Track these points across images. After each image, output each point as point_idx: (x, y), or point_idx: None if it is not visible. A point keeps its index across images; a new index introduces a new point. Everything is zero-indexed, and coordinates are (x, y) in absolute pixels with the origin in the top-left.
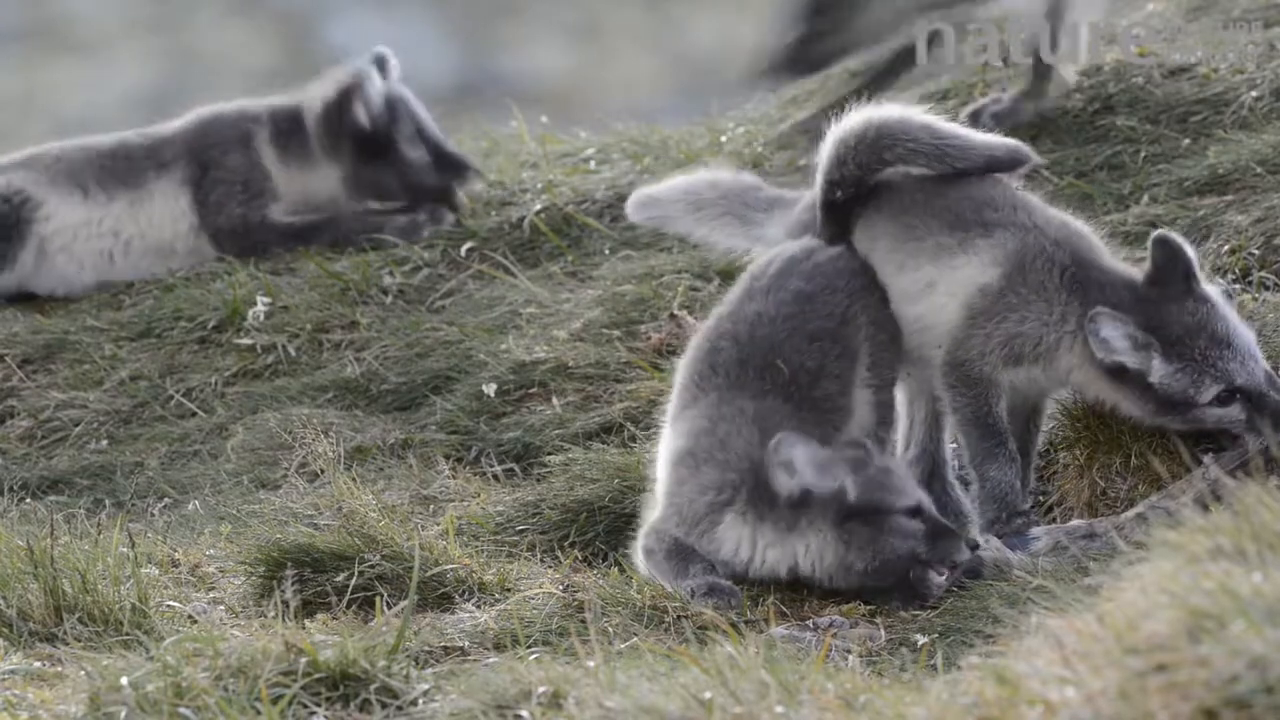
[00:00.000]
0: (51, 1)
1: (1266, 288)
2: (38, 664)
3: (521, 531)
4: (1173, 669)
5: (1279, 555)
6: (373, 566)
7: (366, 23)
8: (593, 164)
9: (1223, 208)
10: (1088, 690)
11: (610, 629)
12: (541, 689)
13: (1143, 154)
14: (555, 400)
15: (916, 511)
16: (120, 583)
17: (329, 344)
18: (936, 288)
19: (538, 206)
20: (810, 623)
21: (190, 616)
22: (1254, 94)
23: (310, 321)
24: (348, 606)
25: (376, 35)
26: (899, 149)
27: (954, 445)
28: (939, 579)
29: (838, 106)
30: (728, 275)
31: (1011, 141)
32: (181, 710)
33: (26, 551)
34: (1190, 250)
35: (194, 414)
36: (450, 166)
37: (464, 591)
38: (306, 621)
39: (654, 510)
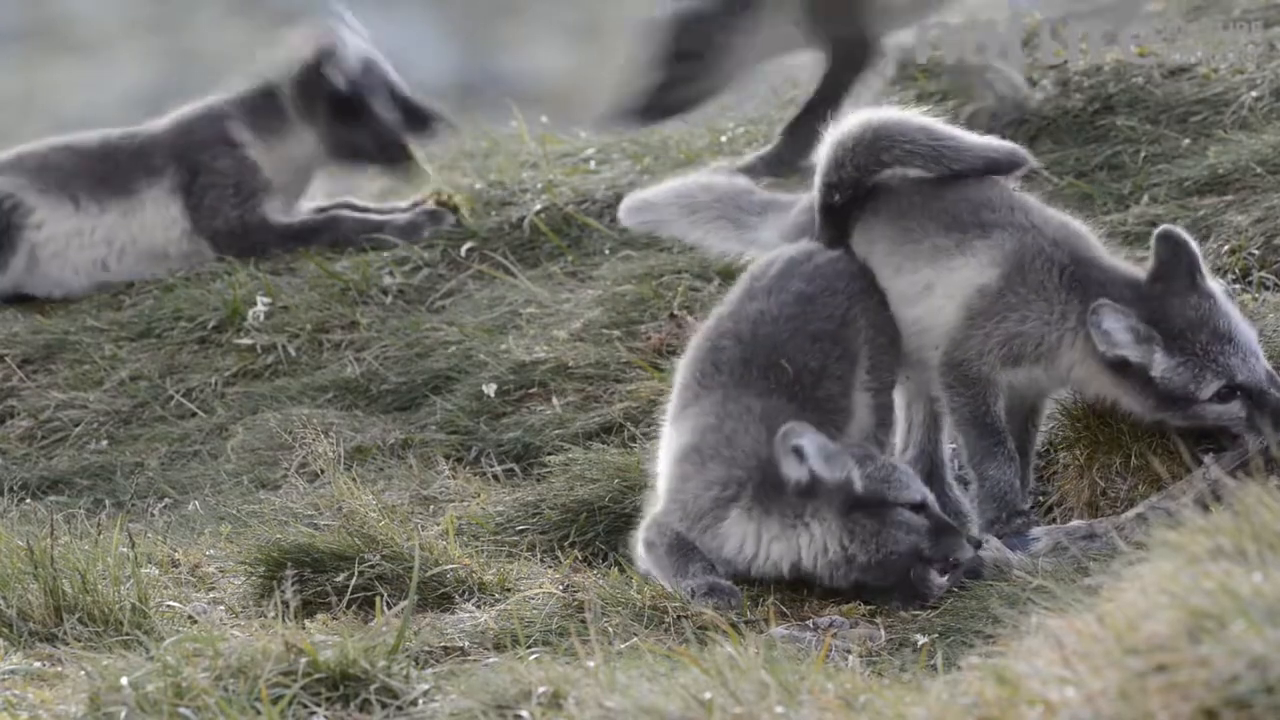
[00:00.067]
0: (51, 1)
1: (1266, 288)
2: (38, 664)
3: (521, 531)
4: (1173, 669)
5: (1279, 555)
6: (373, 566)
7: (366, 22)
8: (593, 164)
9: (1223, 208)
10: (1088, 690)
11: (610, 629)
12: (541, 689)
13: (1143, 154)
14: (555, 400)
15: (921, 507)
16: (120, 583)
17: (329, 344)
18: (935, 290)
19: (538, 206)
20: (810, 623)
21: (190, 616)
22: (1254, 94)
23: (310, 321)
24: (348, 606)
25: (376, 35)
26: (896, 150)
27: (953, 446)
28: (940, 579)
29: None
30: (728, 275)
31: (1009, 144)
32: (181, 710)
33: (26, 551)
34: (1194, 246)
35: (194, 414)
36: (421, 121)
37: (464, 591)
38: (306, 621)
39: (655, 504)
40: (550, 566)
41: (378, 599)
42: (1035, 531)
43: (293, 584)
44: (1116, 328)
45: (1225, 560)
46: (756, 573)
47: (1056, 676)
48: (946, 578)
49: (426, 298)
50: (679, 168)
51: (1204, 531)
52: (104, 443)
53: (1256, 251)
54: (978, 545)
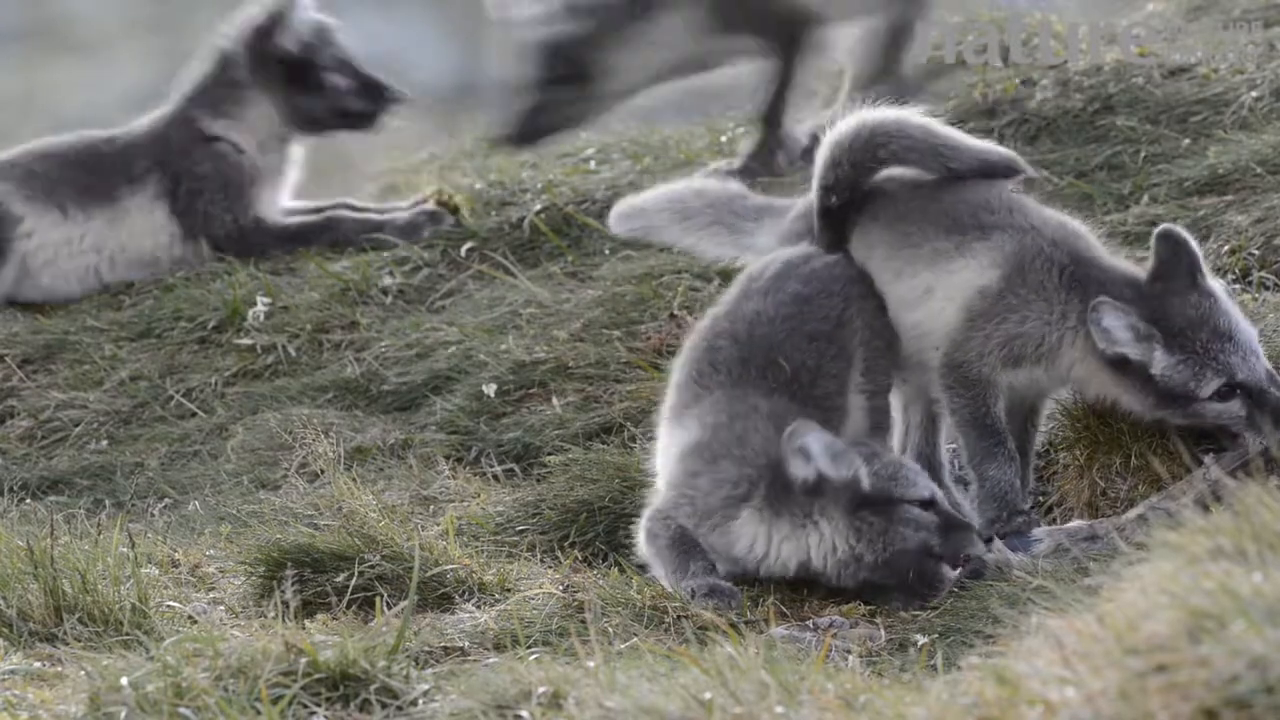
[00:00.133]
0: (51, 1)
1: (1266, 288)
2: (38, 664)
3: (521, 531)
4: (1173, 669)
5: (1279, 555)
6: (373, 566)
7: (366, 23)
8: (593, 164)
9: (1223, 208)
10: (1088, 690)
11: (610, 629)
12: (541, 689)
13: (1143, 154)
14: (555, 400)
15: (929, 504)
16: (120, 583)
17: (329, 344)
18: (934, 293)
19: (538, 206)
20: (810, 623)
21: (190, 616)
22: (1254, 94)
23: (310, 321)
24: (348, 606)
25: (377, 35)
26: (893, 146)
27: (952, 447)
28: (950, 573)
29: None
30: (727, 276)
31: (1007, 151)
32: (181, 710)
33: (26, 551)
34: (1194, 245)
35: (194, 414)
36: (374, 91)
37: (464, 591)
38: (306, 621)
39: (657, 496)
40: (550, 566)
41: (378, 599)
42: (1037, 533)
43: (293, 584)
44: (1116, 325)
45: (1225, 560)
46: (765, 572)
47: (1056, 676)
48: (958, 571)
49: (426, 298)
50: (679, 168)
51: (1204, 532)
52: (104, 443)
53: (1256, 251)
54: (989, 541)
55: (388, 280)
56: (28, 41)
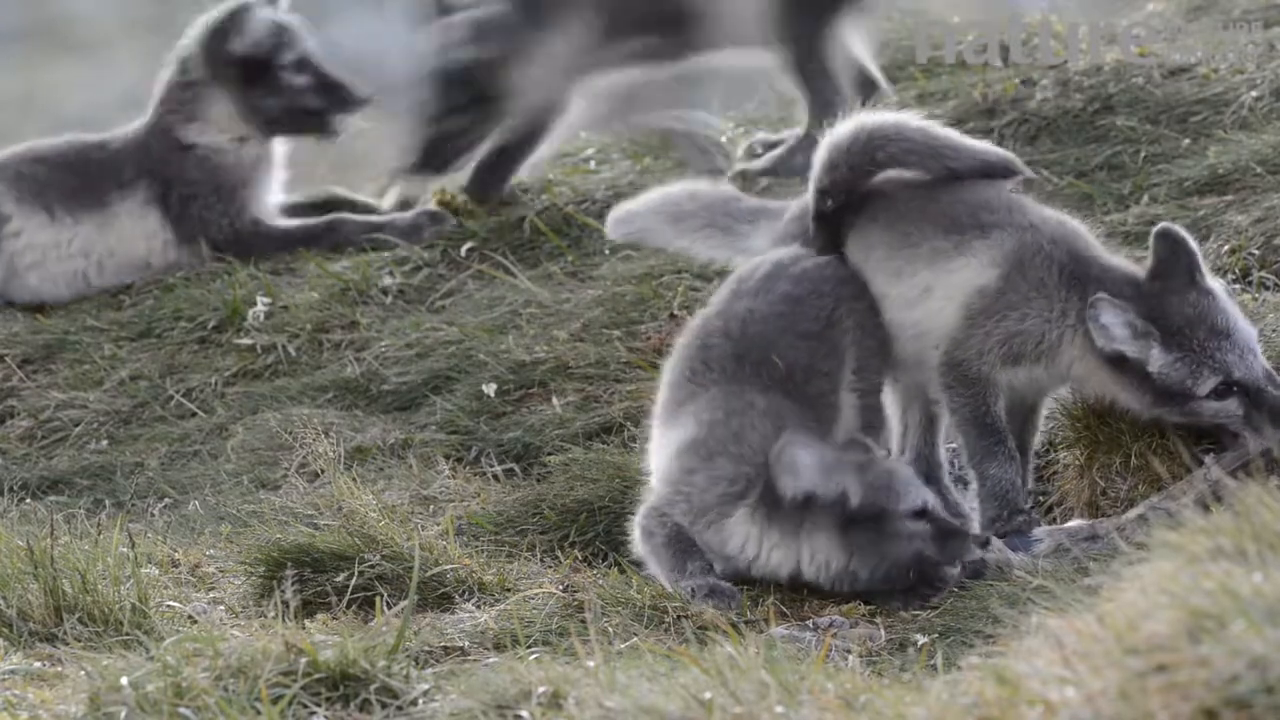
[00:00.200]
0: (51, 1)
1: (1266, 288)
2: (38, 664)
3: (521, 531)
4: (1173, 669)
5: (1279, 555)
6: (373, 566)
7: (366, 23)
8: (593, 164)
9: (1223, 208)
10: (1088, 690)
11: (610, 629)
12: (541, 689)
13: (1143, 154)
14: (555, 400)
15: (922, 513)
16: (120, 583)
17: (329, 344)
18: (934, 292)
19: (538, 206)
20: (810, 623)
21: (190, 616)
22: (1254, 94)
23: (310, 321)
24: (348, 606)
25: (376, 35)
26: (891, 149)
27: (952, 446)
28: (952, 572)
29: None
30: (727, 276)
31: (1005, 152)
32: (181, 710)
33: (26, 551)
34: (1193, 243)
35: (194, 414)
36: (334, 91)
37: (464, 591)
38: (306, 621)
39: (652, 494)
40: (550, 566)
41: (378, 599)
42: (1038, 532)
43: (293, 584)
44: (1114, 322)
45: (1225, 560)
46: (758, 574)
47: (1056, 676)
48: (957, 570)
49: (426, 298)
50: (679, 167)
51: (1204, 532)
52: (104, 443)
53: (1256, 251)
54: (985, 543)
55: (388, 280)
56: (28, 41)
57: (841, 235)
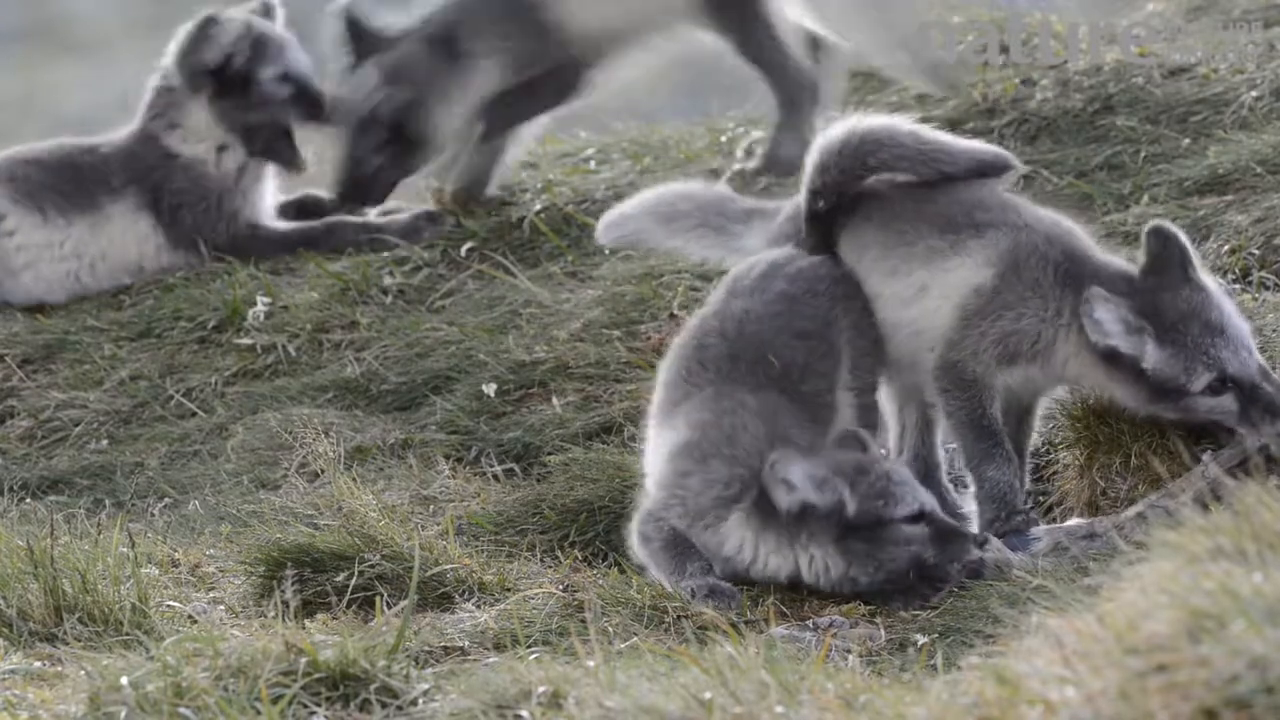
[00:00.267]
0: (51, 1)
1: (1266, 288)
2: (38, 664)
3: (521, 531)
4: (1173, 669)
5: (1279, 555)
6: (373, 566)
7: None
8: (593, 164)
9: (1223, 208)
10: (1088, 690)
11: (610, 629)
12: (541, 689)
13: (1143, 154)
14: (555, 400)
15: (919, 517)
16: (120, 583)
17: (329, 344)
18: (929, 291)
19: (538, 206)
20: (810, 623)
21: (190, 616)
22: (1254, 94)
23: (310, 321)
24: (348, 606)
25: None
26: (883, 153)
27: (951, 446)
28: (952, 570)
29: None
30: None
31: (996, 148)
32: (181, 710)
33: (26, 551)
34: (1185, 240)
35: (194, 414)
36: (311, 105)
37: (464, 591)
38: (306, 621)
39: (649, 497)
40: (550, 566)
41: (378, 599)
42: (1036, 531)
43: (293, 584)
44: (1108, 318)
45: (1225, 560)
46: (755, 576)
47: (1056, 676)
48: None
49: (426, 298)
50: (679, 167)
51: (1204, 531)
52: (104, 443)
53: (1256, 251)
54: (983, 542)
55: (388, 280)
56: (28, 41)
57: (834, 235)
